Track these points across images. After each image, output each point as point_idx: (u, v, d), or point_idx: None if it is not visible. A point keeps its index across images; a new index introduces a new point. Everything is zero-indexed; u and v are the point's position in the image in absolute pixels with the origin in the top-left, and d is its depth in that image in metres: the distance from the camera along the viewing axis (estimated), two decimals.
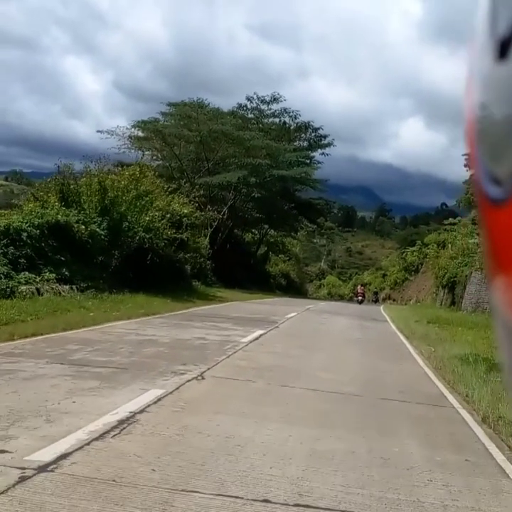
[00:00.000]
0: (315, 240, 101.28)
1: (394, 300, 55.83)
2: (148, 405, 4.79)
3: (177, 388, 5.53)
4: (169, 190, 21.67)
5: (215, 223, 37.55)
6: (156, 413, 4.60)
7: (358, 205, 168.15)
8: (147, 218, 17.87)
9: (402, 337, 12.88)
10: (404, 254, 62.05)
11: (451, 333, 13.78)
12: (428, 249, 46.43)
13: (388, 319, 19.39)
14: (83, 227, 15.87)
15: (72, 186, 17.12)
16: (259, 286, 38.52)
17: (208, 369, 6.61)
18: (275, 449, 3.92)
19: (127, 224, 17.72)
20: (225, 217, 40.78)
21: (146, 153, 36.67)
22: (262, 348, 8.82)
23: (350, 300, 50.21)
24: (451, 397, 6.40)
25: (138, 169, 19.40)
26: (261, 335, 10.28)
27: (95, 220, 16.91)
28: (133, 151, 34.93)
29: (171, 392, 5.32)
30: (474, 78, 0.43)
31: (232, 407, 5.02)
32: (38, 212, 14.72)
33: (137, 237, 17.51)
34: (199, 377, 6.12)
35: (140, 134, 35.67)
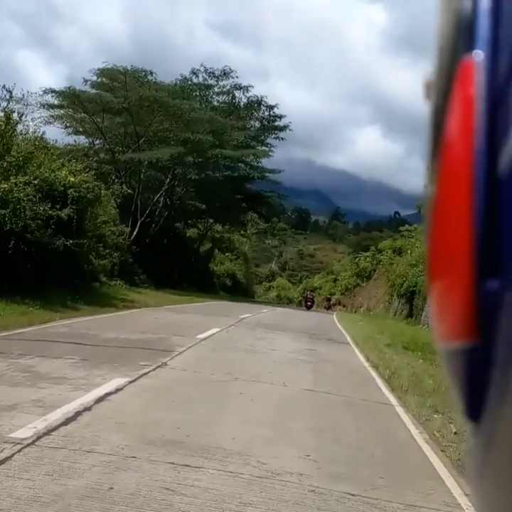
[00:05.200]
0: (267, 241, 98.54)
1: (344, 306, 53.62)
2: None
3: None
4: (59, 153, 15.76)
5: (147, 210, 31.85)
6: None
7: (312, 208, 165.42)
8: (5, 186, 12.01)
9: (381, 383, 7.59)
10: (357, 259, 59.32)
11: None
12: (382, 255, 43.95)
13: (349, 338, 14.29)
14: None
15: None
16: (200, 287, 33.90)
17: None
18: None
19: None
20: (160, 205, 35.12)
21: (67, 126, 30.37)
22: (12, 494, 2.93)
23: (300, 304, 48.87)
24: None
25: (3, 119, 13.46)
26: (93, 404, 4.49)
27: None
28: (52, 125, 28.45)
29: None
30: None
31: None
32: None
33: None
34: None
35: (55, 102, 28.95)
